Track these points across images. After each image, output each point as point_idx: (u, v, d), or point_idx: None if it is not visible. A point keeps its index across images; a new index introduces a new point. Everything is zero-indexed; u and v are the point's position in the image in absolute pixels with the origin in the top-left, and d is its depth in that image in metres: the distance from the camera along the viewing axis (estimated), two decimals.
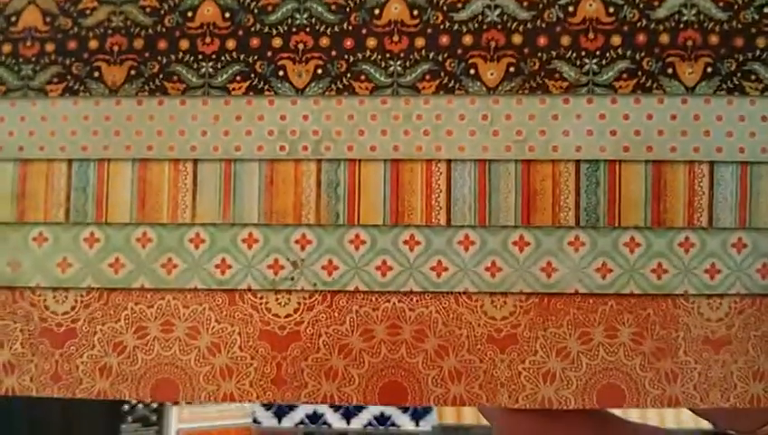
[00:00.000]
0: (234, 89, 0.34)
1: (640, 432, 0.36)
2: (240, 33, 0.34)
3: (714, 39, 0.33)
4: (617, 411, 0.36)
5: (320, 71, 0.34)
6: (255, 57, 0.34)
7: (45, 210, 0.35)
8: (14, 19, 0.36)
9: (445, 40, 0.34)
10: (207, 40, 0.35)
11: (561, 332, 0.32)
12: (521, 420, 0.34)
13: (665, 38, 0.33)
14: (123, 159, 0.35)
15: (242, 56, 0.34)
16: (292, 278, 0.33)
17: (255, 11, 0.34)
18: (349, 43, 0.34)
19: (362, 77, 0.34)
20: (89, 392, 0.34)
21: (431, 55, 0.34)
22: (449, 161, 0.33)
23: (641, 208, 0.32)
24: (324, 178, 0.34)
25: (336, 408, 1.24)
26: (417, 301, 0.33)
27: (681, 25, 0.33)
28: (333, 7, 0.34)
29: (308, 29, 0.34)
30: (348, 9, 0.34)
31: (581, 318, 0.32)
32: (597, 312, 0.32)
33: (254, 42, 0.34)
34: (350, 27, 0.34)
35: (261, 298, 0.33)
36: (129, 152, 0.34)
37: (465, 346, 0.33)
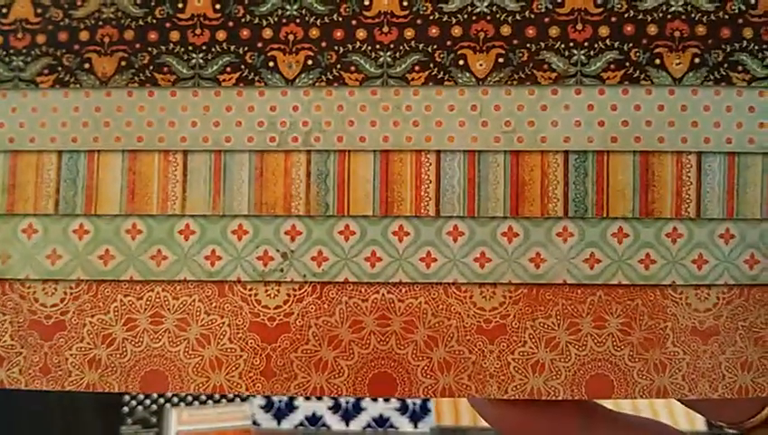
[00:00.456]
0: (224, 80, 0.34)
1: (630, 422, 0.36)
2: (230, 24, 0.34)
3: (701, 30, 0.33)
4: (607, 403, 0.36)
5: (310, 62, 0.34)
6: (246, 48, 0.34)
7: (35, 202, 0.35)
8: (4, 11, 0.36)
9: (434, 31, 0.34)
10: (198, 31, 0.35)
11: (549, 322, 0.33)
12: (509, 410, 0.34)
13: (652, 29, 0.33)
14: (113, 150, 0.35)
15: (232, 47, 0.34)
16: (282, 270, 0.33)
17: (246, 2, 0.34)
18: (339, 34, 0.34)
19: (352, 68, 0.34)
20: (78, 385, 0.34)
21: (420, 46, 0.34)
22: (438, 152, 0.33)
23: (629, 199, 0.33)
24: (314, 170, 0.34)
25: (335, 410, 1.24)
26: (406, 292, 0.33)
27: (668, 16, 0.33)
28: None
29: (298, 20, 0.34)
30: (338, 0, 0.34)
31: (570, 309, 0.33)
32: (585, 302, 0.33)
33: (245, 33, 0.34)
34: (340, 18, 0.34)
35: (250, 290, 0.34)
36: (119, 143, 0.34)
37: (455, 337, 0.33)
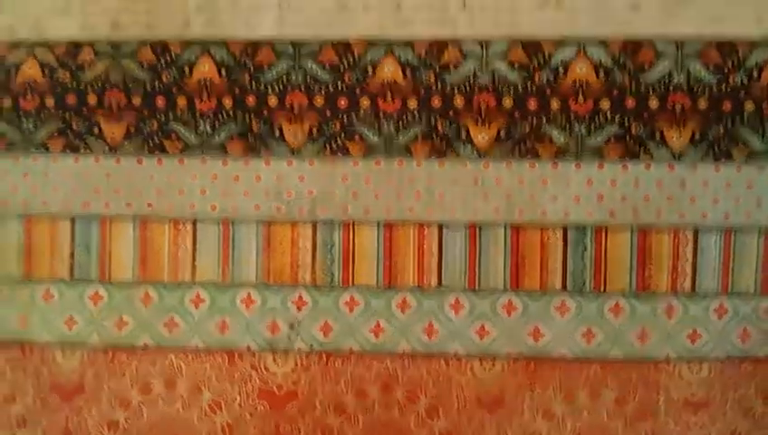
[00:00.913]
0: (231, 148, 0.35)
1: None
2: (236, 90, 0.35)
3: (703, 103, 0.33)
4: None
5: (315, 131, 0.35)
6: (252, 115, 0.35)
7: (51, 267, 0.36)
8: (13, 72, 0.36)
9: (437, 102, 0.34)
10: (205, 97, 0.35)
11: (547, 394, 0.34)
12: None
13: (654, 102, 0.33)
14: (124, 217, 0.35)
15: (238, 114, 0.35)
16: (290, 338, 0.35)
17: (251, 69, 0.35)
18: (343, 102, 0.35)
19: (356, 137, 0.34)
20: None
21: (423, 117, 0.34)
22: (440, 225, 0.34)
23: (626, 274, 0.33)
24: (320, 240, 0.35)
25: None
26: (408, 363, 0.34)
27: (671, 89, 0.33)
28: (327, 66, 0.34)
29: (303, 88, 0.35)
30: (342, 69, 0.34)
31: (567, 381, 0.34)
32: (582, 375, 0.34)
33: (251, 100, 0.35)
34: (344, 87, 0.34)
35: (259, 358, 0.35)
36: (130, 210, 0.35)
37: (455, 407, 0.34)
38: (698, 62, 0.33)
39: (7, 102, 0.36)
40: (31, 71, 0.36)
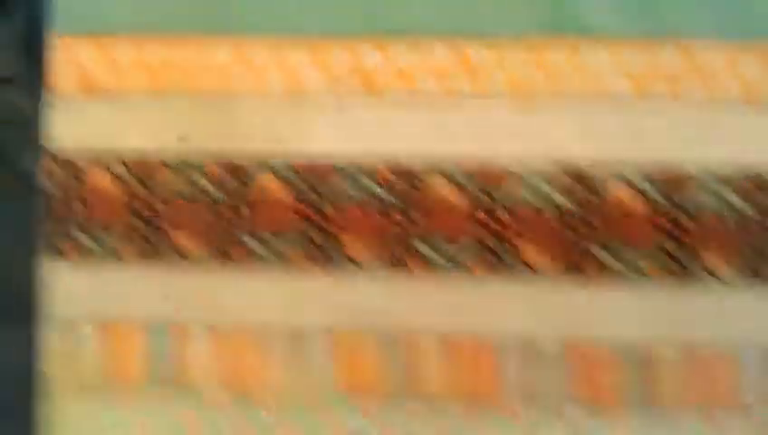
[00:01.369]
0: (294, 259, 0.37)
1: None
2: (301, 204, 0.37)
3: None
4: None
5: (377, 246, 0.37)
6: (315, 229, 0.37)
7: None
8: (87, 182, 0.38)
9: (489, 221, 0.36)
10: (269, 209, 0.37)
11: None
12: None
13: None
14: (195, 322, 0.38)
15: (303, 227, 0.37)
16: None
17: (314, 184, 0.37)
18: (400, 219, 0.37)
19: (415, 253, 0.37)
20: None
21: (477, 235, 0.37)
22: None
23: None
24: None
25: None
26: None
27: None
28: (384, 185, 0.37)
29: (365, 205, 0.37)
30: (398, 187, 0.37)
31: None
32: None
33: (312, 213, 0.37)
34: (402, 204, 0.37)
35: None
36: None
37: None
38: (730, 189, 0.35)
39: (81, 211, 0.38)
40: (104, 181, 0.38)
